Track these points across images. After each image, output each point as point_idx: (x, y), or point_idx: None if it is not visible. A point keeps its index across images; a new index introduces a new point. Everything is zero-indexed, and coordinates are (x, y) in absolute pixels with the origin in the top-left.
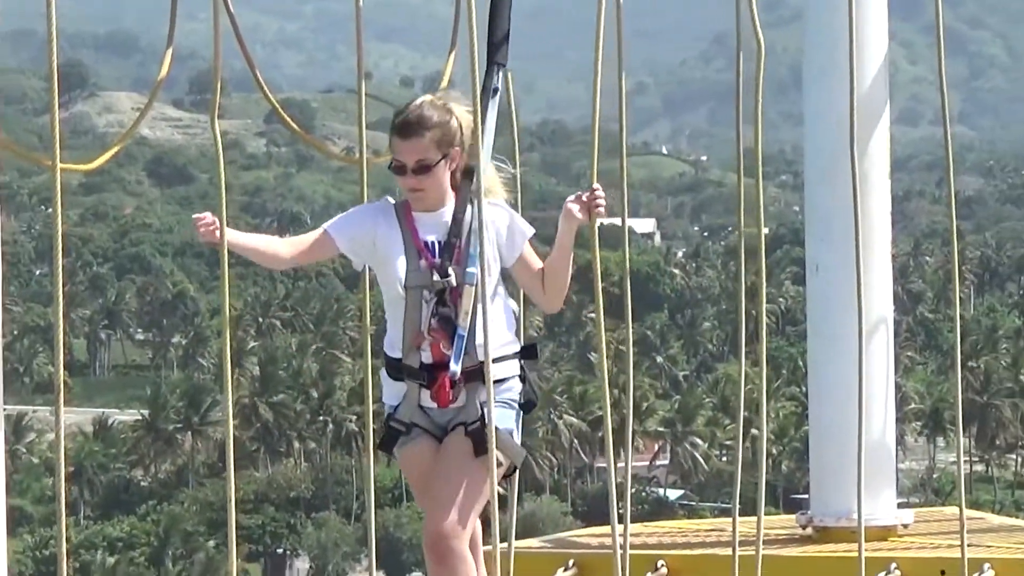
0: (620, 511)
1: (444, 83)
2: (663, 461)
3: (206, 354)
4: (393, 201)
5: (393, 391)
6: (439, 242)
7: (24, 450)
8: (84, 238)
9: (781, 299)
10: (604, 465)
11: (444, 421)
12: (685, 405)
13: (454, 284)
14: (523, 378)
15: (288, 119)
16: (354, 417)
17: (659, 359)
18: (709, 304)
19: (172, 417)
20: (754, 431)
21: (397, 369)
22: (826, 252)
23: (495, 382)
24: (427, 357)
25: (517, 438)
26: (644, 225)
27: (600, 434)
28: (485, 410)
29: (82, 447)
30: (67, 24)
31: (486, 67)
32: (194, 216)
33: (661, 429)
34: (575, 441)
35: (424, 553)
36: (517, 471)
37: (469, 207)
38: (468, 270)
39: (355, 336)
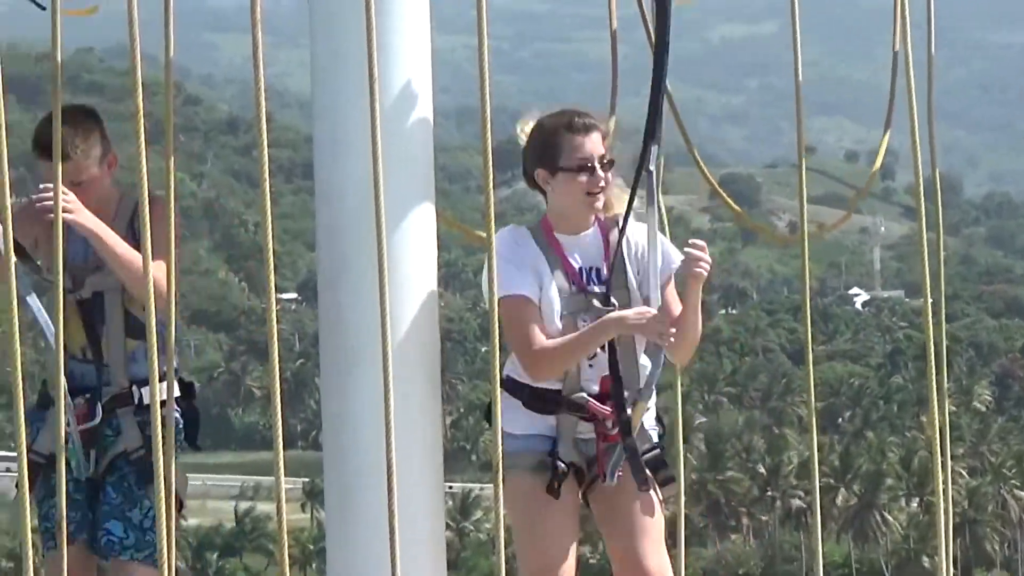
0: None
1: (878, 162)
2: None
3: None
4: (521, 228)
5: (533, 424)
6: (595, 267)
7: (471, 528)
8: None
9: None
10: None
11: (593, 453)
12: None
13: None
14: (660, 419)
15: (727, 198)
16: (803, 494)
17: None
18: None
19: None
20: None
21: (553, 402)
22: None
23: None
24: (594, 388)
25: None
26: None
27: None
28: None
29: None
30: (508, 101)
31: (642, 146)
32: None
33: None
34: None
35: None
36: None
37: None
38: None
39: (802, 414)
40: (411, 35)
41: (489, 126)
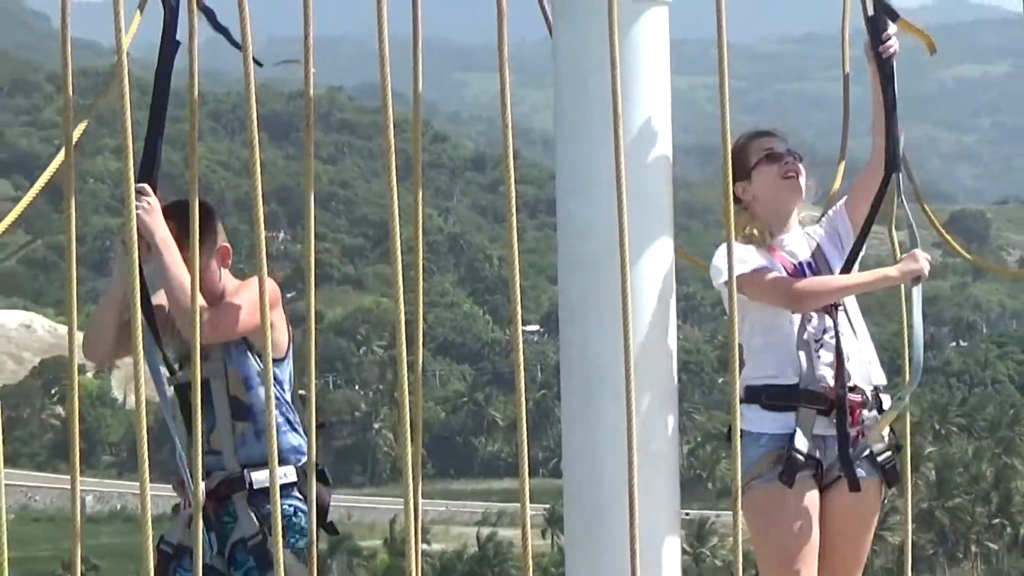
0: None
1: None
2: None
3: None
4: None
5: (772, 423)
6: (807, 262)
7: (708, 554)
8: None
9: None
10: None
11: (833, 453)
12: None
13: None
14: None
15: (951, 240)
16: None
17: None
18: None
19: None
20: None
21: (792, 396)
22: None
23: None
24: (828, 376)
25: None
26: None
27: None
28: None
29: None
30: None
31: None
32: None
33: None
34: None
35: None
36: None
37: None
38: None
39: None
40: (651, 75)
41: (729, 164)
